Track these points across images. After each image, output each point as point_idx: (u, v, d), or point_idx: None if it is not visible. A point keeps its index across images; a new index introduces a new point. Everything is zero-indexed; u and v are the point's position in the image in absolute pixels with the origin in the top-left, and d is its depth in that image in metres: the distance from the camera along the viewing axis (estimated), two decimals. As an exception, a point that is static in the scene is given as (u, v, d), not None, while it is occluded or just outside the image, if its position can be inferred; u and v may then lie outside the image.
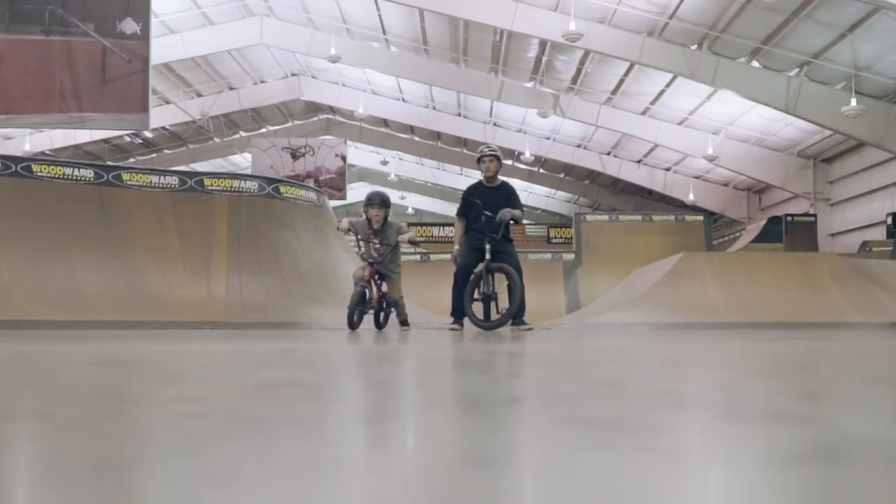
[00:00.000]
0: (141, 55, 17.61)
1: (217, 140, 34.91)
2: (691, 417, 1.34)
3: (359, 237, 7.86)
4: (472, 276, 7.74)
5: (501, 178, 8.28)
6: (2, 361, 2.98)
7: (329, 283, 13.42)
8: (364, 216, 8.01)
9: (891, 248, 20.37)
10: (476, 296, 7.71)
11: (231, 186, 13.15)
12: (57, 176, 11.85)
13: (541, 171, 37.33)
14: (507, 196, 8.01)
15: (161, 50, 22.31)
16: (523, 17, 20.25)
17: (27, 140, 29.52)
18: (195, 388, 1.79)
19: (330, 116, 36.26)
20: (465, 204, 7.98)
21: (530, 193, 40.35)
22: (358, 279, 7.69)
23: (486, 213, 7.71)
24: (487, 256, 7.63)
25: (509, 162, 33.82)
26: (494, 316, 7.67)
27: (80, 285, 10.96)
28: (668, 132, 26.79)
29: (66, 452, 0.98)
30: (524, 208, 8.44)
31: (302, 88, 32.23)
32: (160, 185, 12.59)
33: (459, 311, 7.78)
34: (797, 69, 20.23)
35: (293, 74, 31.66)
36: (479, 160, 8.15)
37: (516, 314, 7.58)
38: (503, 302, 7.66)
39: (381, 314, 7.89)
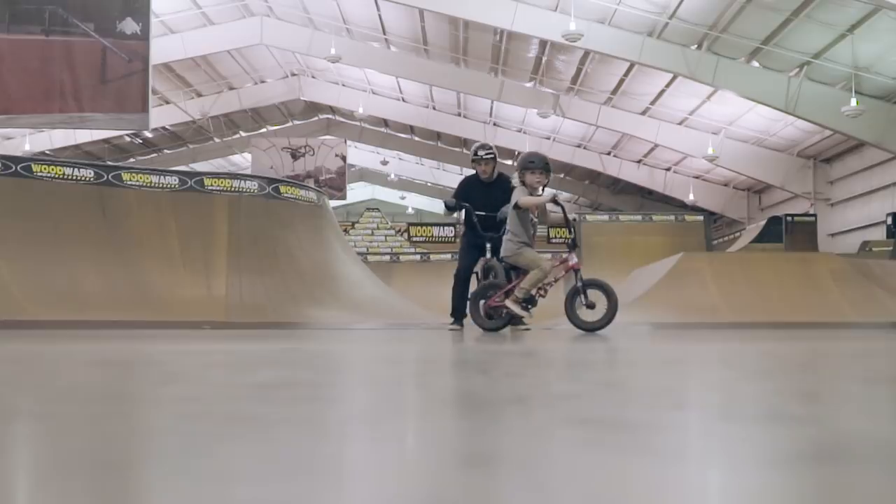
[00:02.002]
0: (141, 55, 17.60)
1: (217, 140, 34.91)
2: (691, 418, 1.34)
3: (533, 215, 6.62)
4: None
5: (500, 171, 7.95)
6: (2, 361, 2.98)
7: (329, 283, 13.42)
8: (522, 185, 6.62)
9: (891, 248, 20.34)
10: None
11: (231, 186, 13.15)
12: (57, 176, 11.84)
13: (540, 171, 37.32)
14: (504, 190, 7.64)
15: (161, 50, 22.29)
16: (523, 17, 20.24)
17: (27, 140, 29.51)
18: (195, 388, 1.79)
19: (330, 116, 36.26)
20: (456, 206, 7.77)
21: (531, 193, 40.28)
22: (549, 269, 6.60)
23: (479, 213, 7.55)
24: (487, 255, 7.48)
25: (509, 162, 33.80)
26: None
27: (80, 285, 10.95)
28: (668, 132, 26.78)
29: (66, 452, 0.98)
30: None
31: (302, 88, 32.23)
32: (160, 185, 12.58)
33: (460, 312, 7.69)
34: (797, 69, 20.22)
35: (293, 74, 31.66)
36: (474, 161, 7.77)
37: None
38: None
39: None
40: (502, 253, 6.86)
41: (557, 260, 6.85)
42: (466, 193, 7.79)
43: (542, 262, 6.67)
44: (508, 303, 6.63)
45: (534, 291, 6.68)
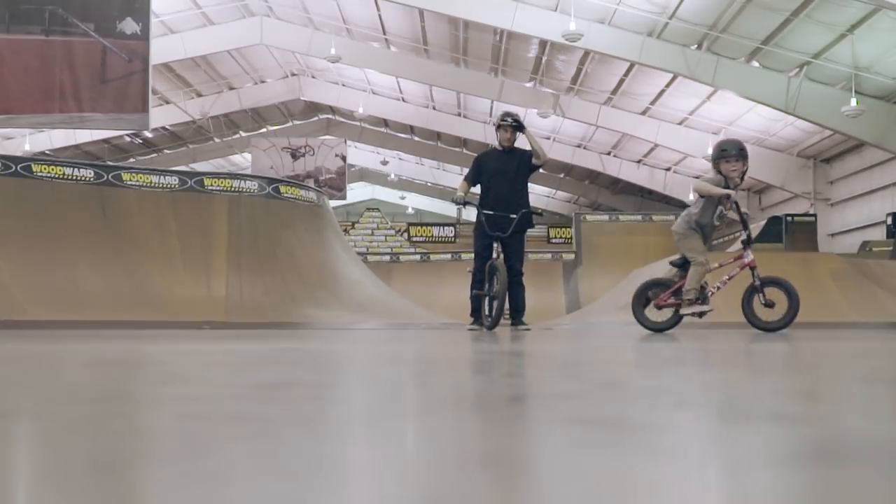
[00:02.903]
0: (141, 55, 17.60)
1: (217, 140, 34.91)
2: (691, 417, 1.34)
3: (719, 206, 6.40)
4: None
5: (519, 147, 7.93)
6: (2, 361, 2.98)
7: (329, 283, 13.42)
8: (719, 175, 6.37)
9: (891, 248, 20.33)
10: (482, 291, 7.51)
11: (231, 186, 13.15)
12: (57, 176, 11.85)
13: (541, 171, 37.33)
14: (522, 161, 7.73)
15: (161, 50, 22.30)
16: (523, 17, 20.25)
17: (27, 140, 29.51)
18: (195, 388, 1.79)
19: (330, 116, 36.27)
20: (463, 202, 7.75)
21: (530, 193, 40.31)
22: (706, 264, 6.40)
23: (486, 211, 7.54)
24: (494, 255, 7.43)
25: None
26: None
27: (80, 285, 10.96)
28: (668, 132, 26.79)
29: (66, 452, 0.98)
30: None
31: (302, 88, 32.23)
32: (160, 185, 12.59)
33: (477, 311, 7.57)
34: (797, 69, 20.22)
35: (293, 74, 31.66)
36: (497, 127, 7.80)
37: (515, 314, 7.55)
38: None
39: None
40: (673, 227, 6.74)
41: (732, 257, 6.69)
42: (481, 166, 7.79)
43: (698, 255, 6.47)
44: (685, 309, 6.50)
45: (704, 285, 6.52)
